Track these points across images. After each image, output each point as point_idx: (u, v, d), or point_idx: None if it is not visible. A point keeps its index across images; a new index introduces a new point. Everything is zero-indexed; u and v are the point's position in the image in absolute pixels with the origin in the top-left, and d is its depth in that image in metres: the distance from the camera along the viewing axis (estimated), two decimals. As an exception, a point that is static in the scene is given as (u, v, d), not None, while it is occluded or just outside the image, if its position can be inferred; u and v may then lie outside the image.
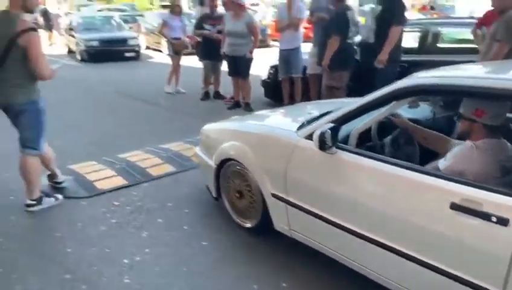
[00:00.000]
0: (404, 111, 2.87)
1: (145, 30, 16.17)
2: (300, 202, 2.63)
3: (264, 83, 7.32)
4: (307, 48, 6.55)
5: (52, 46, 17.11)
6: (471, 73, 2.40)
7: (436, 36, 6.36)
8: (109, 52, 13.05)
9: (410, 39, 6.74)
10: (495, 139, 2.18)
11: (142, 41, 15.42)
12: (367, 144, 2.59)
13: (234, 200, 3.26)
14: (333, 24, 5.13)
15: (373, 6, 5.64)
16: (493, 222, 1.78)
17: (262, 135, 3.05)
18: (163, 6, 22.34)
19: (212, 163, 3.32)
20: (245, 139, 3.09)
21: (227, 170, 3.24)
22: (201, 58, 7.68)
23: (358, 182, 2.38)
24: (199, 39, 7.63)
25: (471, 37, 5.68)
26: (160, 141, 5.15)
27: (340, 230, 2.39)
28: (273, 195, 2.80)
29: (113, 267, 2.81)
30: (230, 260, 2.87)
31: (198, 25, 7.54)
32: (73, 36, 14.00)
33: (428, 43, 6.20)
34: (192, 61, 7.77)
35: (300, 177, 2.64)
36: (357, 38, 5.80)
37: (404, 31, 5.32)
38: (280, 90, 6.68)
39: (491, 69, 2.56)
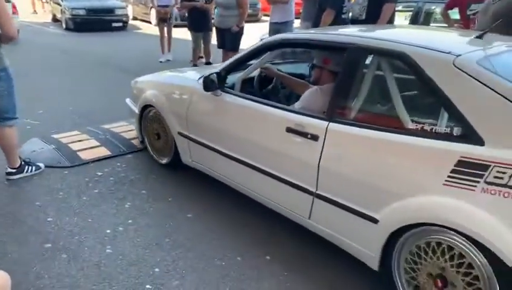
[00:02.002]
0: (285, 68, 3.57)
1: (133, 0, 15.76)
2: (197, 137, 3.22)
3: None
4: (296, 24, 6.45)
5: (36, 13, 16.65)
6: (323, 31, 3.20)
7: (428, 15, 6.30)
8: (96, 21, 12.72)
9: (401, 18, 6.69)
10: None
11: (130, 11, 15.06)
12: (250, 89, 3.20)
13: (154, 141, 3.82)
14: None
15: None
16: (309, 138, 2.36)
17: (173, 84, 3.62)
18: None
19: (136, 110, 3.84)
20: (161, 88, 3.63)
21: (147, 115, 3.78)
22: (190, 29, 7.53)
23: (237, 117, 2.93)
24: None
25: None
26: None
27: (224, 157, 2.98)
28: (179, 133, 3.37)
29: (94, 237, 2.78)
30: (214, 232, 2.85)
31: None
32: (58, 4, 13.58)
33: (419, 22, 6.14)
34: (187, 34, 7.65)
35: (197, 117, 3.21)
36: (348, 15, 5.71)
37: (396, 10, 5.25)
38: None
39: (348, 29, 3.18)
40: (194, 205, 3.18)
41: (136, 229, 2.88)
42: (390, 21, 5.01)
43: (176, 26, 8.73)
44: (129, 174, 3.64)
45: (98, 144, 4.22)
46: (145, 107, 3.74)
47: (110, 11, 13.15)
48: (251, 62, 3.14)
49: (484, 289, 1.83)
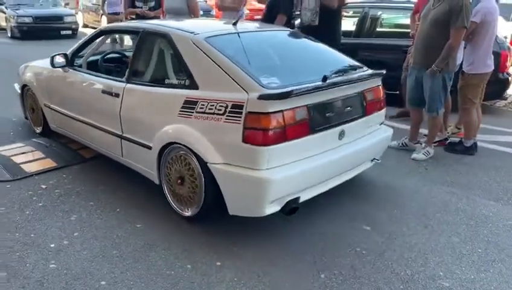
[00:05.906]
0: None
1: (84, 7, 15.37)
2: (56, 106, 4.11)
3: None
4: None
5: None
6: (134, 22, 4.72)
7: (374, 20, 6.50)
8: (43, 29, 12.31)
9: (349, 22, 6.86)
10: None
11: (80, 19, 14.69)
12: (97, 67, 4.02)
13: (31, 115, 4.72)
14: (279, 2, 5.06)
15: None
16: (114, 96, 3.33)
17: (41, 66, 4.38)
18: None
19: (18, 90, 4.77)
20: (34, 70, 4.48)
21: (26, 93, 4.65)
22: None
23: (77, 87, 3.82)
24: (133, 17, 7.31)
25: (406, 21, 5.85)
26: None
27: (72, 119, 3.88)
28: (45, 105, 4.27)
29: (37, 252, 2.66)
30: (164, 242, 2.80)
31: (130, 3, 7.19)
32: (3, 12, 13.04)
33: (366, 27, 6.32)
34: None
35: (54, 90, 4.14)
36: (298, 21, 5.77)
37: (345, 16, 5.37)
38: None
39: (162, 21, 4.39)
40: (143, 215, 3.12)
41: (82, 242, 2.79)
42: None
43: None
44: (76, 186, 3.53)
45: (43, 155, 4.07)
46: (24, 87, 4.61)
47: (58, 18, 12.78)
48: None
49: (198, 179, 2.83)
